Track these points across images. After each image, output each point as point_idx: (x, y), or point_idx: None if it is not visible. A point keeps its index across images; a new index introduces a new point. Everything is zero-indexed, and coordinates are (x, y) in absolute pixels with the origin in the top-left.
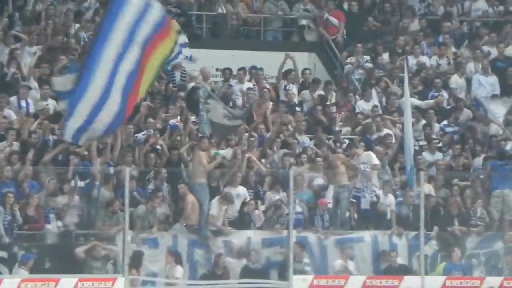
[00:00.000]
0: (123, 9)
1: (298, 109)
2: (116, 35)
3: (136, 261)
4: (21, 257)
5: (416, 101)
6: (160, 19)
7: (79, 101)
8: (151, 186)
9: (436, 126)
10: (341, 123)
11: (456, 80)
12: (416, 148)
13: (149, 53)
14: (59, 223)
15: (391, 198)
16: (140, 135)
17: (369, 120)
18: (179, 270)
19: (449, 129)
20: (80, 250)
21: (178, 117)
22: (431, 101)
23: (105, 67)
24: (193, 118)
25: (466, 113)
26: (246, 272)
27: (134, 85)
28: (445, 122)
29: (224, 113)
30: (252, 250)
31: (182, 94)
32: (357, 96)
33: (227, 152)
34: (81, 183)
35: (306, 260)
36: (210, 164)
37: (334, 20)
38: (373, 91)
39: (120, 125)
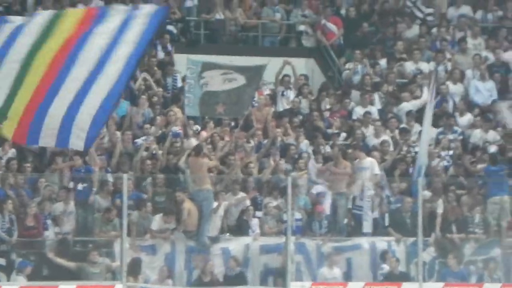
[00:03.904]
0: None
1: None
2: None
3: (134, 268)
4: (18, 264)
5: (408, 105)
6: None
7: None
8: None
9: (434, 132)
10: (336, 129)
11: (454, 85)
12: (413, 154)
13: None
14: (57, 229)
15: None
16: (140, 141)
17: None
18: None
19: (443, 136)
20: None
21: (179, 125)
22: (417, 102)
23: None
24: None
25: (466, 119)
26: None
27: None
28: (440, 129)
29: (224, 78)
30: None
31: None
32: (353, 103)
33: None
34: (80, 186)
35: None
36: (212, 162)
37: (331, 26)
38: (376, 96)
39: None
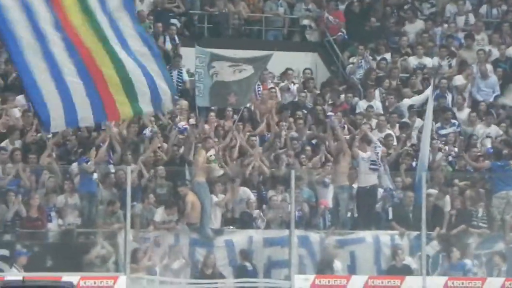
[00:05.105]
0: None
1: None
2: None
3: (134, 256)
4: (14, 253)
5: (409, 101)
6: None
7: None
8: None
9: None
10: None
11: (459, 80)
12: (417, 148)
13: None
14: (60, 221)
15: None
16: (148, 131)
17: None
18: None
19: (443, 131)
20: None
21: (185, 121)
22: (420, 97)
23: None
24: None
25: (465, 113)
26: (243, 271)
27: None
28: (438, 124)
29: (234, 68)
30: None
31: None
32: (356, 98)
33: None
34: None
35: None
36: (205, 165)
37: (334, 20)
38: (377, 91)
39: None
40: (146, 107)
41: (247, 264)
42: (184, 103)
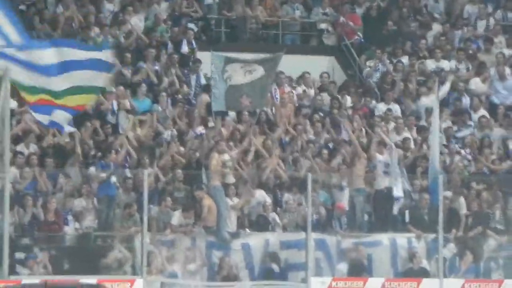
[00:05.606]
0: None
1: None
2: None
3: (151, 259)
4: (25, 257)
5: (426, 100)
6: None
7: None
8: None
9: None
10: (356, 126)
11: (476, 83)
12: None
13: None
14: (77, 225)
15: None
16: (167, 134)
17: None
18: None
19: (460, 134)
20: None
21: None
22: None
23: None
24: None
25: (480, 113)
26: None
27: None
28: (455, 126)
29: (245, 70)
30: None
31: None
32: (374, 101)
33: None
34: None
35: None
36: (219, 168)
37: (350, 24)
38: (395, 94)
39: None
40: (100, 82)
41: (275, 266)
42: (205, 98)
